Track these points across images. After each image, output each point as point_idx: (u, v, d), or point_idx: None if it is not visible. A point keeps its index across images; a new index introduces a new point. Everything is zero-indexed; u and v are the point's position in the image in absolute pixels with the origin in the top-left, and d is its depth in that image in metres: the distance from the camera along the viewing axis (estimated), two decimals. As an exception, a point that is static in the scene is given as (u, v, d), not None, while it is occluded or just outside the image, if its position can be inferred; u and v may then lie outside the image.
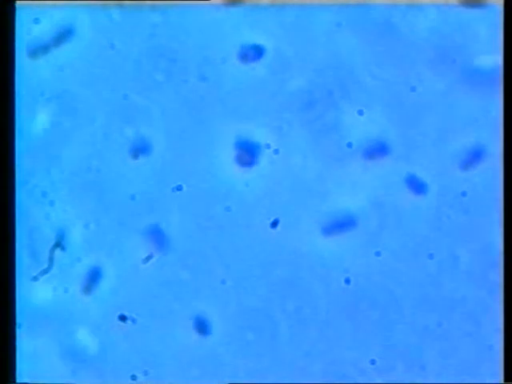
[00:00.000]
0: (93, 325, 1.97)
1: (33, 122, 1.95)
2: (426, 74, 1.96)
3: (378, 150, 1.96)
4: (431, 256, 1.96)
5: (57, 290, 1.96)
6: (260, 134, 1.96)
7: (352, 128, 1.95)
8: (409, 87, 1.95)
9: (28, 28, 1.95)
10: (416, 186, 1.96)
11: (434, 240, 1.96)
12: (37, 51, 1.95)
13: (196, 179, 1.96)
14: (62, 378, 1.96)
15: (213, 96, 1.96)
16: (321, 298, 1.96)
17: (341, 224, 1.96)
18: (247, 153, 1.96)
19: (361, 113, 1.95)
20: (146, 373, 1.97)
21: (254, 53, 1.96)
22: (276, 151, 1.96)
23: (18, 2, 1.91)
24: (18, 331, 1.93)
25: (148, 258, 1.96)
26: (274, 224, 1.96)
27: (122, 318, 1.96)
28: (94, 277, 1.96)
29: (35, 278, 1.96)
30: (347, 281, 1.96)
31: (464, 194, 1.96)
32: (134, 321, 1.96)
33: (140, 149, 1.96)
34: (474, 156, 1.96)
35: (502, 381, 1.91)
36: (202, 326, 1.97)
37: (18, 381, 1.92)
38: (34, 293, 1.96)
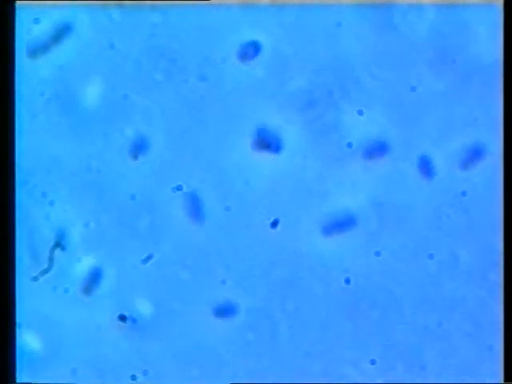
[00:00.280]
0: (93, 324, 1.97)
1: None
2: (425, 74, 1.96)
3: (378, 150, 1.96)
4: (431, 256, 1.96)
5: (57, 290, 1.96)
6: (259, 135, 1.96)
7: (352, 128, 1.95)
8: (409, 87, 1.95)
9: (28, 28, 1.95)
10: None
11: (434, 240, 1.96)
12: (37, 51, 1.95)
13: (196, 179, 1.96)
14: (62, 377, 1.96)
15: (213, 96, 1.96)
16: (321, 298, 1.96)
17: (341, 224, 1.96)
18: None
19: (361, 113, 1.95)
20: (145, 373, 1.97)
21: (254, 53, 1.96)
22: (276, 151, 1.96)
23: (17, 2, 1.91)
24: (17, 331, 1.93)
25: (148, 258, 1.96)
26: (274, 224, 1.96)
27: (122, 318, 1.96)
28: (94, 277, 1.96)
29: (35, 278, 1.96)
30: (347, 281, 1.96)
31: (464, 193, 1.96)
32: (133, 321, 1.96)
33: (140, 149, 1.96)
34: (474, 156, 1.96)
35: (502, 381, 1.91)
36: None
37: (17, 381, 1.92)
38: (34, 293, 1.96)
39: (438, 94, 1.96)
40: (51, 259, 1.95)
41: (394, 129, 1.96)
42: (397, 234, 1.96)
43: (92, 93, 1.96)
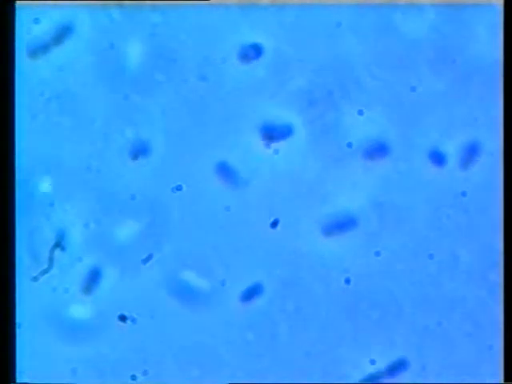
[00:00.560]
0: (93, 324, 1.97)
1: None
2: (425, 73, 1.96)
3: (377, 149, 1.96)
4: (431, 256, 1.96)
5: (57, 290, 1.96)
6: (260, 135, 1.96)
7: (352, 128, 1.95)
8: (409, 87, 1.95)
9: (28, 28, 1.95)
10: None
11: (434, 240, 1.96)
12: (37, 51, 1.95)
13: (196, 179, 1.96)
14: (62, 377, 1.96)
15: (213, 96, 1.96)
16: (321, 298, 1.96)
17: (341, 224, 1.96)
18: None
19: (361, 113, 1.95)
20: (145, 373, 1.97)
21: (254, 53, 1.96)
22: (276, 151, 1.96)
23: (17, 2, 1.90)
24: (17, 331, 1.93)
25: (148, 258, 1.96)
26: (274, 224, 1.96)
27: (122, 318, 1.96)
28: (94, 277, 1.96)
29: (35, 278, 1.95)
30: (347, 281, 1.96)
31: (464, 193, 1.96)
32: (133, 321, 1.96)
33: (140, 149, 1.96)
34: (474, 156, 1.96)
35: (502, 381, 1.91)
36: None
37: (18, 381, 1.92)
38: (34, 293, 1.96)
39: (438, 94, 1.96)
40: (51, 259, 1.95)
41: (394, 129, 1.96)
42: (397, 233, 1.96)
43: (92, 93, 1.96)
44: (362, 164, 1.96)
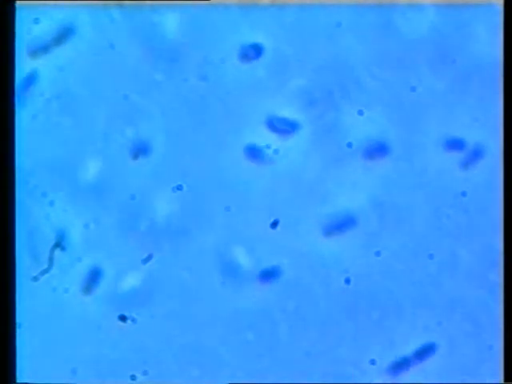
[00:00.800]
0: (93, 324, 1.97)
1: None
2: (425, 73, 1.96)
3: (377, 149, 1.96)
4: (431, 256, 1.96)
5: (57, 290, 1.96)
6: (260, 134, 1.96)
7: (352, 128, 1.95)
8: (409, 87, 1.95)
9: (28, 28, 1.95)
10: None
11: (434, 240, 1.96)
12: (37, 51, 1.95)
13: (196, 179, 1.96)
14: (62, 377, 1.96)
15: (213, 96, 1.96)
16: (321, 298, 1.96)
17: (341, 224, 1.96)
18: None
19: (361, 113, 1.95)
20: (145, 373, 1.97)
21: (254, 52, 1.96)
22: (276, 151, 1.96)
23: (17, 2, 1.91)
24: (17, 331, 1.93)
25: (148, 258, 1.96)
26: (274, 224, 1.96)
27: (122, 318, 1.96)
28: (94, 277, 1.96)
29: (35, 278, 1.95)
30: (347, 281, 1.96)
31: (464, 193, 1.96)
32: (134, 321, 1.96)
33: (140, 149, 1.96)
34: (474, 156, 1.96)
35: (502, 381, 1.91)
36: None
37: (18, 381, 1.92)
38: (34, 293, 1.96)
39: (438, 94, 1.96)
40: (51, 259, 1.95)
41: (394, 129, 1.96)
42: (397, 233, 1.96)
43: (92, 93, 1.96)
44: (362, 164, 1.96)
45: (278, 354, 1.96)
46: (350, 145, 1.95)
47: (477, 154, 1.95)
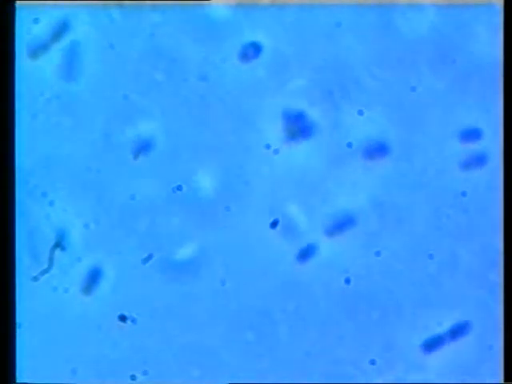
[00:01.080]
0: (93, 324, 1.97)
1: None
2: (426, 74, 1.96)
3: (377, 149, 1.96)
4: (431, 256, 1.96)
5: (57, 290, 1.96)
6: (260, 135, 1.96)
7: (352, 128, 1.95)
8: (409, 87, 1.95)
9: (28, 28, 1.95)
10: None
11: (434, 240, 1.96)
12: (37, 51, 1.95)
13: (196, 179, 1.96)
14: (62, 377, 1.96)
15: (213, 96, 1.96)
16: (321, 298, 1.96)
17: (341, 224, 1.96)
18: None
19: (361, 113, 1.95)
20: (145, 373, 1.97)
21: (254, 52, 1.96)
22: (276, 151, 1.96)
23: (17, 2, 1.90)
24: (17, 331, 1.93)
25: (148, 257, 1.96)
26: (274, 224, 1.96)
27: (122, 318, 1.96)
28: (94, 277, 1.96)
29: (35, 278, 1.95)
30: (347, 281, 1.96)
31: (464, 194, 1.96)
32: (133, 321, 1.96)
33: (140, 149, 1.96)
34: (474, 156, 1.96)
35: (502, 381, 1.91)
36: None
37: (18, 381, 1.92)
38: (34, 293, 1.96)
39: (438, 94, 1.96)
40: (51, 259, 1.95)
41: (394, 129, 1.96)
42: (397, 234, 1.96)
43: (92, 93, 1.96)
44: (362, 164, 1.96)
45: (277, 354, 1.96)
46: (350, 145, 1.95)
47: (477, 155, 1.95)
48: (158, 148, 1.96)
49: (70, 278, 1.96)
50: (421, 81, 1.95)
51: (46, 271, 1.95)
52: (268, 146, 1.96)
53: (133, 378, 1.97)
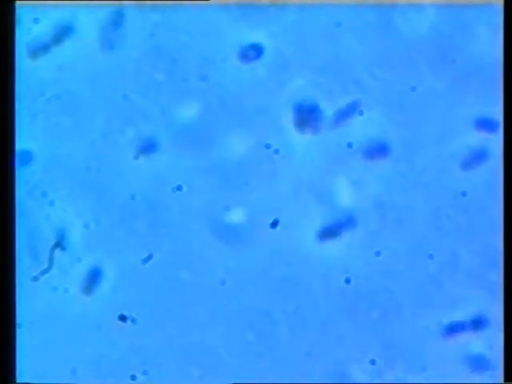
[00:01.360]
0: (93, 324, 1.97)
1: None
2: (426, 74, 1.96)
3: (378, 150, 1.96)
4: (431, 256, 1.96)
5: (57, 290, 1.96)
6: (260, 134, 1.96)
7: (352, 128, 1.95)
8: (409, 87, 1.96)
9: (28, 28, 1.95)
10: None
11: (434, 240, 1.96)
12: (37, 51, 1.95)
13: (196, 179, 1.96)
14: (62, 377, 1.96)
15: (213, 96, 1.96)
16: (321, 298, 1.96)
17: (341, 224, 1.96)
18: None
19: (361, 113, 1.95)
20: (145, 373, 1.97)
21: (254, 52, 1.96)
22: (276, 151, 1.96)
23: (17, 2, 1.90)
24: (17, 331, 1.93)
25: (148, 257, 1.96)
26: (274, 224, 1.96)
27: (122, 318, 1.96)
28: (94, 277, 1.96)
29: (35, 278, 1.95)
30: (347, 281, 1.96)
31: (464, 193, 1.96)
32: (133, 321, 1.96)
33: (140, 149, 1.96)
34: (474, 156, 1.96)
35: (502, 381, 1.91)
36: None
37: (18, 381, 1.92)
38: (34, 293, 1.96)
39: (438, 94, 1.96)
40: (51, 259, 1.95)
41: (394, 129, 1.96)
42: (397, 234, 1.96)
43: (92, 93, 1.96)
44: (363, 164, 1.96)
45: (278, 354, 1.96)
46: (350, 145, 1.95)
47: (477, 154, 1.95)
48: (158, 148, 1.96)
49: (69, 278, 1.96)
50: (421, 81, 1.95)
51: (46, 271, 1.95)
52: (268, 146, 1.96)
53: (133, 378, 1.97)
